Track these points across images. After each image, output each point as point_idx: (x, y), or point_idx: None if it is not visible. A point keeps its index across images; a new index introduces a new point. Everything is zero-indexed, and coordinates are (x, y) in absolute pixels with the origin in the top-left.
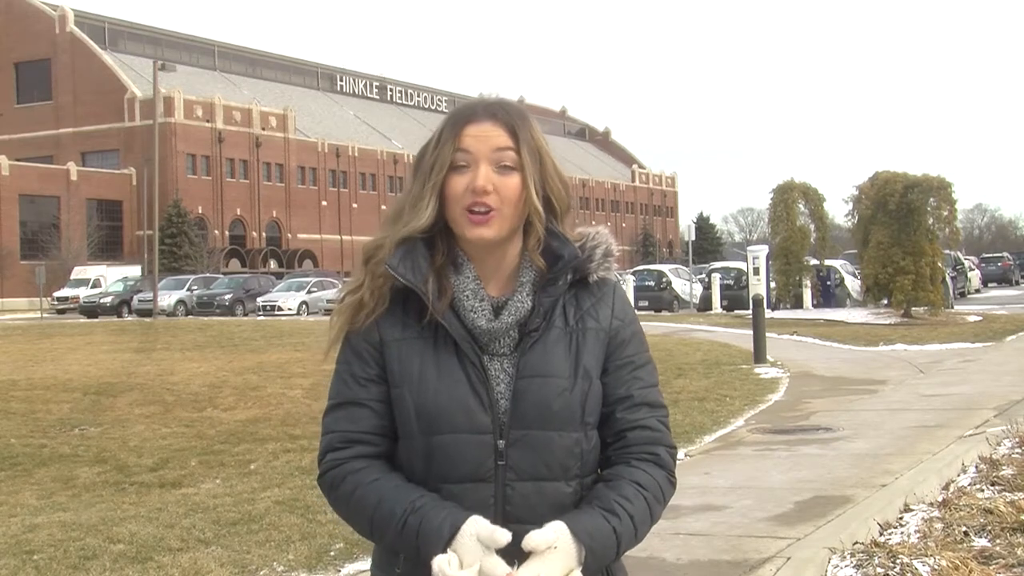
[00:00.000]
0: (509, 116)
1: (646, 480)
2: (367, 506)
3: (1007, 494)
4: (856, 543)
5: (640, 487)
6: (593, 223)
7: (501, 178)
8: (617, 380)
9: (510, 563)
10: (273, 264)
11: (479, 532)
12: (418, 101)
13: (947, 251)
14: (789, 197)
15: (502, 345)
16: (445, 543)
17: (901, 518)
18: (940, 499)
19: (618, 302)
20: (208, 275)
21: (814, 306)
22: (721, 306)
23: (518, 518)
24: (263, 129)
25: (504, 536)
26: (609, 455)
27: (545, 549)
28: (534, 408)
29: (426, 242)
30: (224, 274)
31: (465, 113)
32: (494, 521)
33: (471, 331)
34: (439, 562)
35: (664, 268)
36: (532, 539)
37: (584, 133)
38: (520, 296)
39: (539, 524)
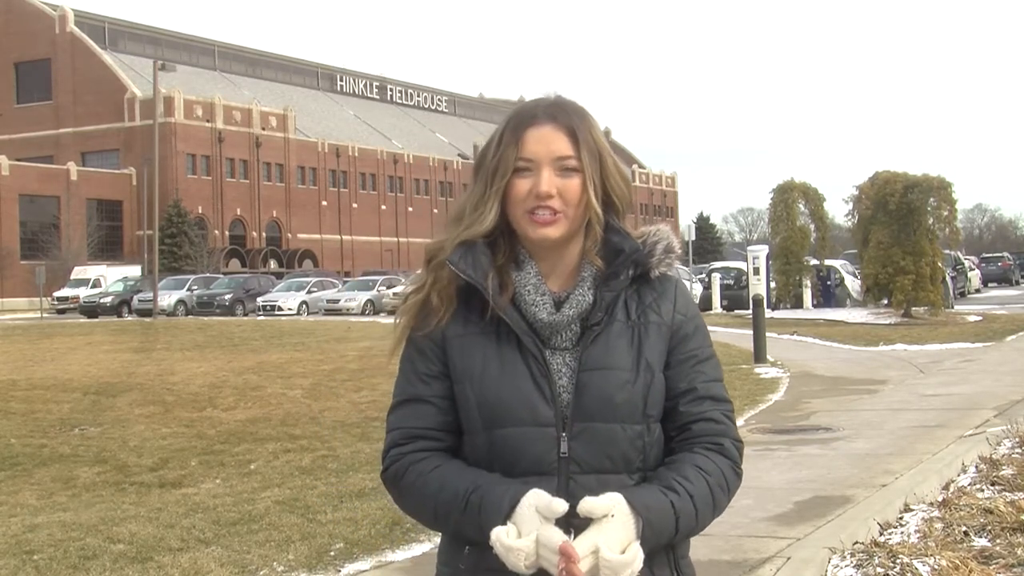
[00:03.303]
0: (569, 118)
1: (708, 466)
2: (430, 493)
3: (1007, 494)
4: (856, 543)
5: (701, 470)
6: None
7: (563, 181)
8: (680, 374)
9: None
10: (273, 264)
11: (537, 503)
12: (418, 101)
13: (947, 251)
14: (789, 197)
15: (564, 339)
16: (505, 516)
17: (901, 518)
18: (940, 499)
19: (680, 298)
20: (208, 275)
21: (814, 306)
22: (721, 306)
23: None
24: (263, 129)
25: (561, 505)
26: (673, 447)
27: (602, 516)
28: (596, 401)
29: (488, 243)
30: (224, 274)
31: (525, 116)
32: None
33: (532, 325)
34: (497, 532)
35: None
36: (588, 503)
37: None
38: (581, 290)
39: None
